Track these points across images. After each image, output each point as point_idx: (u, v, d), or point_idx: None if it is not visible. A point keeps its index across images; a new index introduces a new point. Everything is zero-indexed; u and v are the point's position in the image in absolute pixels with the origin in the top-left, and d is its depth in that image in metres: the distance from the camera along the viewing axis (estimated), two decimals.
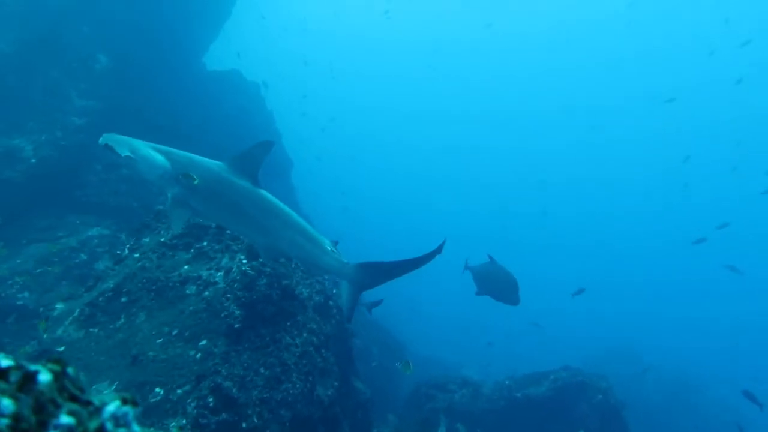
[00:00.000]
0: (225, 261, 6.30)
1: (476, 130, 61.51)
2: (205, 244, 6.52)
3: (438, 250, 6.39)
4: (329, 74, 37.63)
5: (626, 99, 55.45)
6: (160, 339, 5.42)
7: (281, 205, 6.57)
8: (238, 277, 6.05)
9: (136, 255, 6.33)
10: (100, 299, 5.74)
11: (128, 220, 10.09)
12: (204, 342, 5.46)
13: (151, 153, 6.10)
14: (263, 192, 6.47)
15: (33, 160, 9.00)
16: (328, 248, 6.64)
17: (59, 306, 5.86)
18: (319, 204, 28.75)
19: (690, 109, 38.33)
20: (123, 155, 6.01)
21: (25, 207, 9.10)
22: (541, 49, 55.82)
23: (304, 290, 6.92)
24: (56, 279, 7.67)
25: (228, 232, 6.74)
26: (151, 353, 5.25)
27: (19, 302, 7.21)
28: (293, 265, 7.12)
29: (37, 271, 7.71)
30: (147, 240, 6.54)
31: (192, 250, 6.46)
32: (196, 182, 5.82)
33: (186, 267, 6.23)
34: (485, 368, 18.67)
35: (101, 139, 6.19)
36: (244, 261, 6.29)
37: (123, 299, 5.75)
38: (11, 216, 8.40)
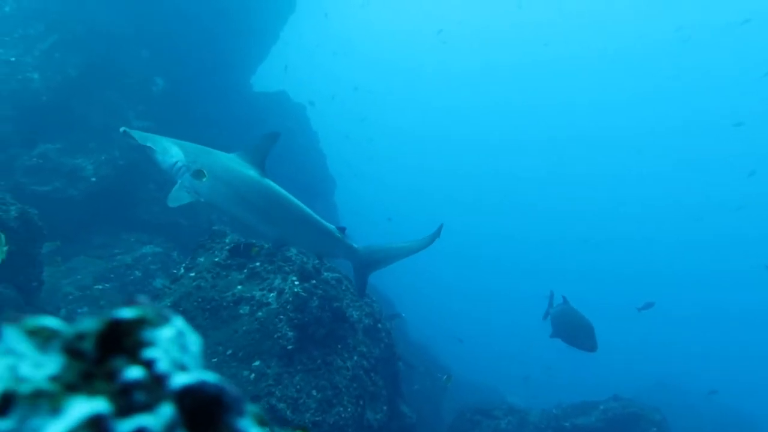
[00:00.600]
0: (277, 282, 6.35)
1: (524, 154, 60.88)
2: (258, 264, 6.59)
3: (435, 235, 6.86)
4: (355, 92, 37.83)
5: (672, 122, 54.23)
6: (214, 358, 5.48)
7: (288, 195, 6.75)
8: (290, 299, 6.09)
9: (192, 274, 6.44)
10: None
11: (178, 237, 10.31)
12: (257, 363, 5.49)
13: (168, 144, 6.61)
14: (269, 182, 6.67)
15: (93, 179, 9.32)
16: (337, 235, 6.85)
17: None
18: (362, 223, 28.85)
19: (748, 131, 37.14)
20: (142, 143, 6.53)
21: (83, 224, 9.40)
22: (590, 76, 55.19)
23: (354, 313, 6.92)
24: (113, 295, 7.87)
25: (279, 254, 6.81)
26: None
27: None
28: (344, 288, 7.13)
29: (95, 287, 7.93)
30: (202, 260, 6.66)
31: (245, 271, 6.53)
32: (204, 179, 6.13)
33: (239, 287, 6.30)
34: (528, 396, 18.26)
35: (121, 128, 6.70)
36: (296, 282, 6.33)
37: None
38: (71, 233, 8.69)
